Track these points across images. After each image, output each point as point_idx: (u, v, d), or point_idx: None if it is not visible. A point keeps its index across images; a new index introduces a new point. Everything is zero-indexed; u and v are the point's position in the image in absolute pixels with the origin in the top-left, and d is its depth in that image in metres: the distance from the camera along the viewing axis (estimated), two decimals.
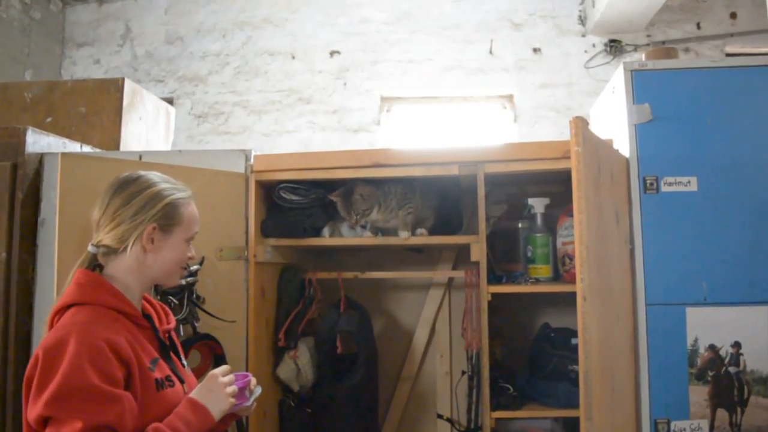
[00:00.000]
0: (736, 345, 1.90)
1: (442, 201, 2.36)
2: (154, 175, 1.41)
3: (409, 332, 2.64)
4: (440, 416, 2.53)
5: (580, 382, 1.51)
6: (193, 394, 1.32)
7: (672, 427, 1.88)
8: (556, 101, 4.10)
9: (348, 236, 2.31)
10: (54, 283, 1.79)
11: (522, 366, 2.31)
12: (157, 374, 1.29)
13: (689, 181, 1.96)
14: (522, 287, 2.22)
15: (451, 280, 2.62)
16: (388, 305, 2.68)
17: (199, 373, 1.72)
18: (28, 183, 2.16)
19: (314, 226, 2.27)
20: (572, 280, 1.90)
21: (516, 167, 2.10)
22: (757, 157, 1.96)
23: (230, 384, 1.35)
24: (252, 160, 2.21)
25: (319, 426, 2.27)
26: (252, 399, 1.42)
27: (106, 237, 1.34)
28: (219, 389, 1.33)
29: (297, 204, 2.24)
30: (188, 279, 1.92)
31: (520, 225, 2.37)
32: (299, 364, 2.24)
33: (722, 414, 1.90)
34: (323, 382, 2.26)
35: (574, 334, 2.16)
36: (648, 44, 4.08)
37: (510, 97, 4.23)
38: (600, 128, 2.27)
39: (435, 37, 4.26)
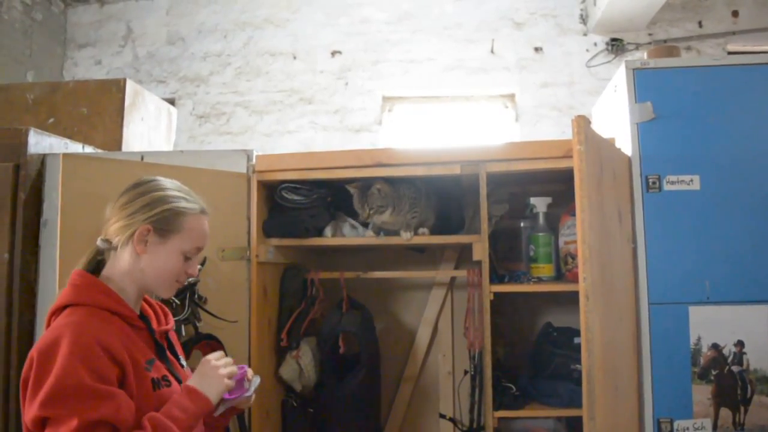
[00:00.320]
0: (739, 344, 1.90)
1: (443, 200, 2.36)
2: (168, 183, 1.41)
3: (412, 332, 2.64)
4: (443, 416, 2.53)
5: (583, 382, 1.51)
6: (188, 382, 1.32)
7: (675, 427, 1.88)
8: (557, 100, 4.10)
9: (350, 236, 2.31)
10: (56, 284, 1.80)
11: (524, 365, 2.31)
12: (154, 374, 1.29)
13: (692, 180, 1.95)
14: (524, 286, 2.22)
15: (453, 279, 2.61)
16: (391, 305, 2.67)
17: None
18: (31, 184, 2.16)
19: (316, 226, 2.27)
20: (575, 280, 1.89)
21: (518, 166, 2.10)
22: (759, 155, 1.95)
23: (224, 366, 1.34)
24: (254, 160, 2.21)
25: (321, 426, 2.27)
26: (252, 389, 1.41)
27: (108, 231, 1.36)
28: (212, 372, 1.32)
29: (299, 204, 2.24)
30: (190, 279, 1.92)
31: (522, 224, 2.37)
32: (301, 364, 2.24)
33: (725, 413, 1.89)
34: (325, 382, 2.26)
35: (577, 333, 2.16)
36: (650, 43, 4.08)
37: (511, 97, 4.23)
38: (602, 127, 2.27)
39: (436, 36, 4.26)
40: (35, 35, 4.30)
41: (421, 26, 4.29)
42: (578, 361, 1.64)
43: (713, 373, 1.90)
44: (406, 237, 2.20)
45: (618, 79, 2.11)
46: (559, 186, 2.36)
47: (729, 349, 1.90)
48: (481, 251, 2.10)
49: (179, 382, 1.36)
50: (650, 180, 1.96)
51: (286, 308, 2.31)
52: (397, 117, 4.33)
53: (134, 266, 1.34)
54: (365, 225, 2.27)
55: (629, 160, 1.99)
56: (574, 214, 1.84)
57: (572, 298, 1.64)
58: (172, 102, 4.12)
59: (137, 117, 2.83)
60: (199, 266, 1.93)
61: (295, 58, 4.36)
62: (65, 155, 1.97)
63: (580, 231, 1.57)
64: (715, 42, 4.07)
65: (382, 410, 2.47)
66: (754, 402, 1.89)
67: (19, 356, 2.03)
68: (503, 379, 2.19)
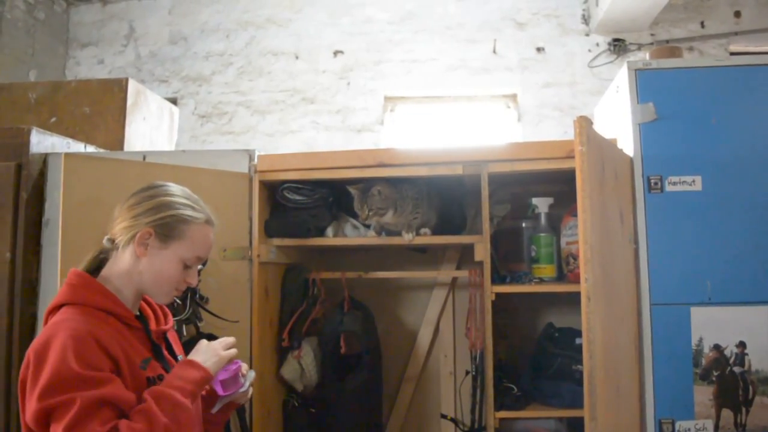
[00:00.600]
0: (741, 345, 1.90)
1: (445, 200, 2.35)
2: (178, 190, 1.42)
3: (413, 332, 2.64)
4: (444, 416, 2.53)
5: (585, 382, 1.51)
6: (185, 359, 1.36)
7: (677, 427, 1.88)
8: (559, 100, 4.10)
9: (352, 236, 2.31)
10: (58, 283, 1.80)
11: (526, 366, 2.31)
12: (149, 373, 1.29)
13: (693, 181, 1.95)
14: (526, 287, 2.22)
15: (454, 279, 2.61)
16: (392, 305, 2.67)
17: None
18: (33, 183, 2.17)
19: (318, 226, 2.27)
20: (576, 280, 1.89)
21: (520, 167, 2.10)
22: (762, 156, 1.95)
23: (220, 346, 1.37)
24: (256, 160, 2.21)
25: (322, 426, 2.27)
26: (247, 383, 1.43)
27: (113, 230, 1.37)
28: (207, 347, 1.36)
29: (301, 204, 2.24)
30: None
31: (524, 225, 2.37)
32: (303, 364, 2.24)
33: (727, 414, 1.89)
34: (327, 382, 2.26)
35: (579, 333, 2.16)
36: (652, 43, 4.07)
37: (514, 97, 4.23)
38: (604, 127, 2.27)
39: (438, 36, 4.26)
40: (38, 34, 4.30)
41: (424, 26, 4.29)
42: (580, 361, 1.64)
43: (715, 374, 1.90)
44: (407, 238, 2.20)
45: (620, 79, 2.11)
46: (561, 186, 2.35)
47: (731, 350, 1.90)
48: (482, 252, 2.10)
49: None
50: (652, 180, 1.96)
51: (288, 308, 2.31)
52: (400, 117, 4.33)
53: (133, 268, 1.35)
54: (367, 225, 2.27)
55: (631, 160, 1.98)
56: (575, 215, 1.84)
57: (574, 299, 1.64)
58: (174, 101, 4.12)
59: (139, 117, 2.83)
60: (200, 266, 1.95)
61: (297, 57, 4.36)
62: (67, 155, 1.97)
63: (581, 231, 1.57)
64: (717, 42, 4.07)
65: (384, 410, 2.47)
66: (756, 403, 1.89)
67: (21, 355, 2.02)
68: (505, 380, 2.19)
